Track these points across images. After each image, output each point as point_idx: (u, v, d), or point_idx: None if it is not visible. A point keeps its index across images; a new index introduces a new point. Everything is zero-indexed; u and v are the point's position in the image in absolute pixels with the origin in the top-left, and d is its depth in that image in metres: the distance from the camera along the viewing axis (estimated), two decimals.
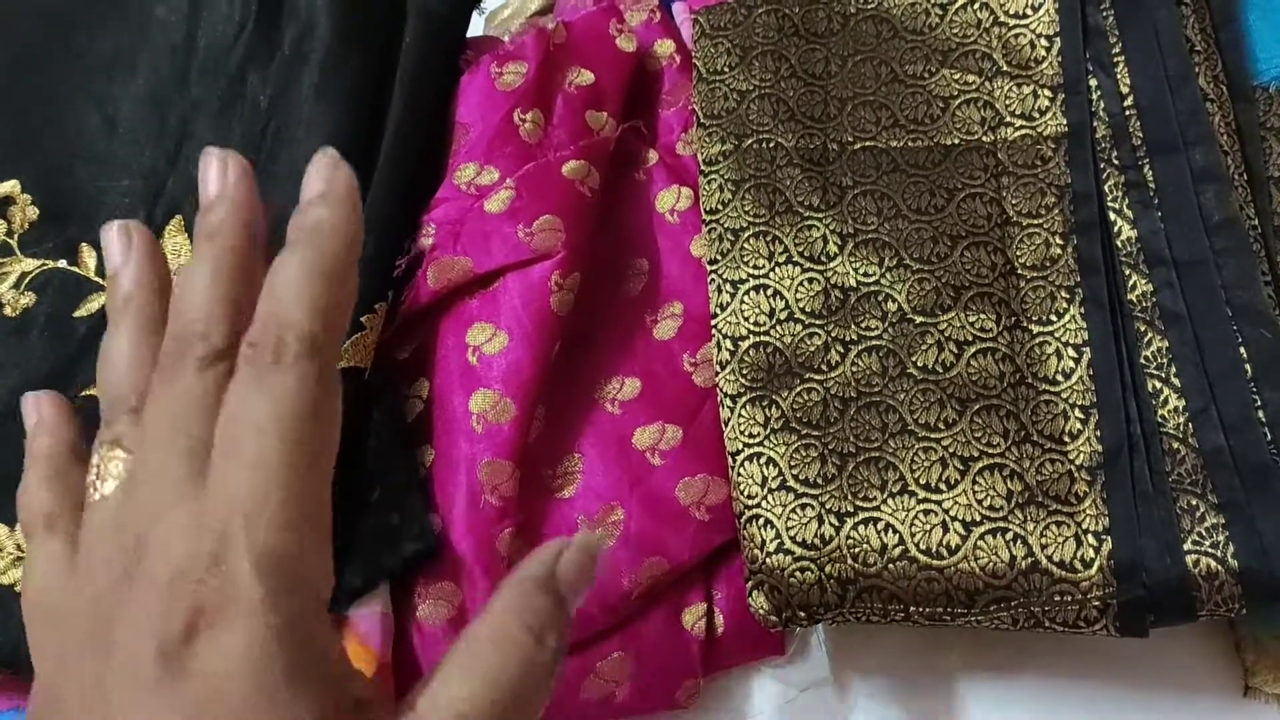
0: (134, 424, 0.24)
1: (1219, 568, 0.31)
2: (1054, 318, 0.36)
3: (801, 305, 0.38)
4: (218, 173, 0.25)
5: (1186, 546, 0.32)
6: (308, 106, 0.40)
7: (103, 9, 0.44)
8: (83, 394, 0.38)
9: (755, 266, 0.39)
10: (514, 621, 0.23)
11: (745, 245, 0.39)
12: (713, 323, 0.39)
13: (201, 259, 0.24)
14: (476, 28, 0.49)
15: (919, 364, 0.36)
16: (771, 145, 0.41)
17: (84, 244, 0.40)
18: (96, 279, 0.40)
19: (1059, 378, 0.35)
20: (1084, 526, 0.33)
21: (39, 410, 0.27)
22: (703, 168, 0.42)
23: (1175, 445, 0.33)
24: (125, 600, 0.21)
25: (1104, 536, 0.32)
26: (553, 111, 0.42)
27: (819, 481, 0.35)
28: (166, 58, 0.43)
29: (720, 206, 0.40)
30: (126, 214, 0.40)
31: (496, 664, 0.22)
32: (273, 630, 0.20)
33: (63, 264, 0.40)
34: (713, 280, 0.39)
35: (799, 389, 0.36)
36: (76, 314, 0.39)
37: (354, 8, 0.41)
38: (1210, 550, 0.31)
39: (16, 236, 0.40)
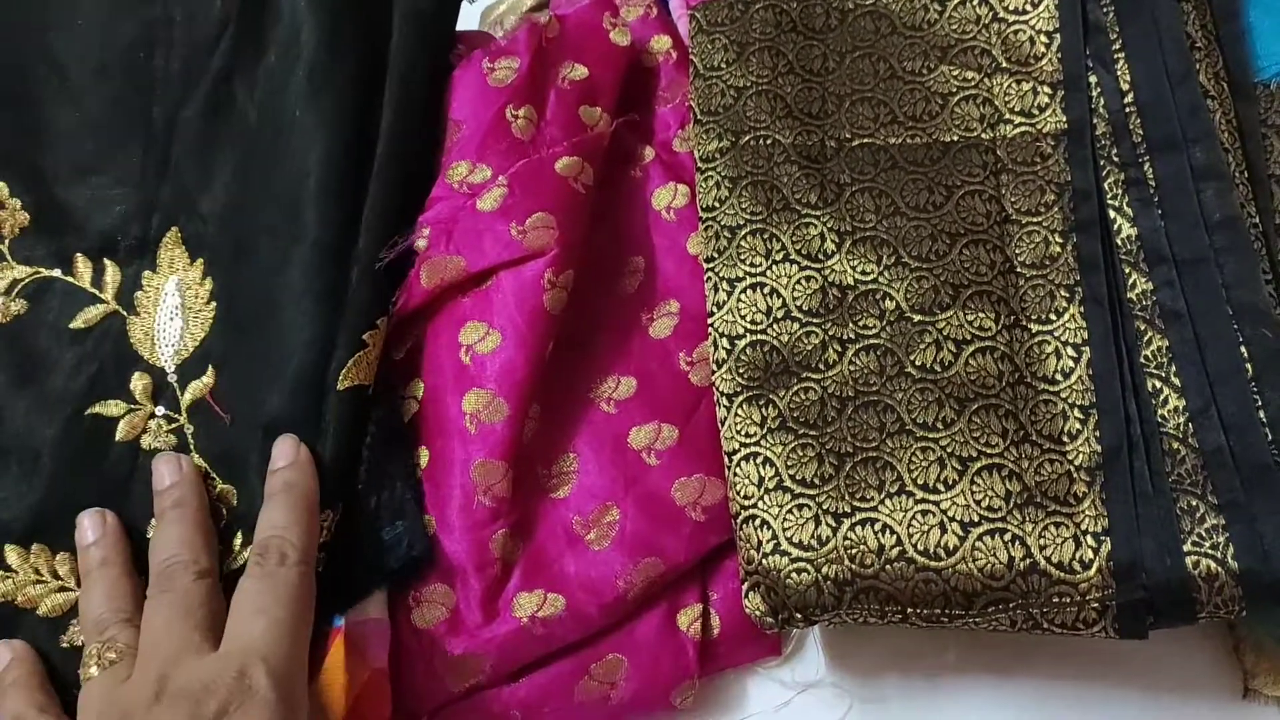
0: (126, 627, 0.33)
1: (1219, 569, 0.31)
2: (1053, 316, 0.36)
3: (799, 303, 0.37)
4: (171, 467, 0.35)
5: (1186, 548, 0.31)
6: (299, 114, 0.39)
7: (74, 6, 0.43)
8: (88, 412, 0.37)
9: (752, 264, 0.38)
10: None
11: (742, 243, 0.39)
12: (709, 321, 0.38)
13: (173, 520, 0.34)
14: (471, 20, 0.49)
15: (917, 363, 0.36)
16: (769, 142, 0.41)
17: (79, 254, 0.40)
18: (92, 290, 0.39)
19: (1058, 377, 0.35)
20: (1083, 527, 0.32)
21: (11, 650, 0.34)
22: (699, 164, 0.41)
23: (1175, 445, 0.33)
24: (158, 711, 0.29)
25: (1103, 537, 0.32)
26: (545, 107, 0.42)
27: (816, 482, 0.34)
28: (143, 55, 0.42)
29: (717, 204, 0.40)
30: (121, 227, 0.40)
31: None
32: (275, 716, 0.29)
33: (57, 273, 0.39)
34: (709, 278, 0.39)
35: (796, 388, 0.36)
36: (72, 325, 0.39)
37: (339, 11, 0.41)
38: (1210, 551, 0.31)
39: (7, 242, 0.40)
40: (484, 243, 0.39)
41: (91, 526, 0.35)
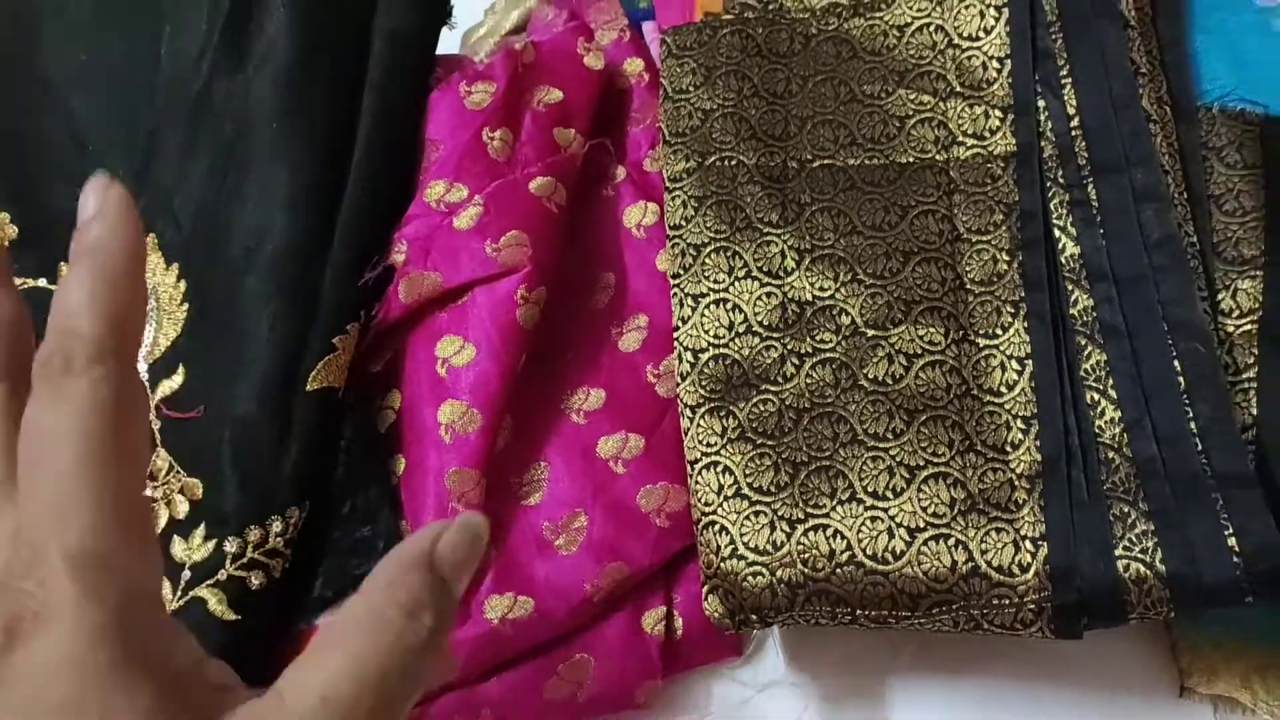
0: None
1: (1148, 572, 0.33)
2: (999, 331, 0.38)
3: (759, 319, 0.39)
4: (95, 196, 0.24)
5: (1118, 552, 0.33)
6: (273, 127, 0.41)
7: (64, 23, 0.44)
8: None
9: (716, 281, 0.40)
10: (384, 599, 0.22)
11: (706, 260, 0.41)
12: (675, 335, 0.40)
13: (74, 278, 0.23)
14: (451, 45, 0.50)
15: (870, 376, 0.38)
16: (733, 163, 0.42)
17: (63, 263, 0.41)
18: None
19: (1003, 389, 0.37)
20: (1022, 533, 0.34)
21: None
22: (667, 184, 0.43)
23: (1111, 455, 0.35)
24: None
25: (1041, 543, 0.34)
26: (521, 129, 0.44)
27: (772, 489, 0.36)
28: (130, 70, 0.44)
29: (683, 222, 0.42)
30: None
31: (365, 642, 0.21)
32: (92, 628, 0.20)
33: (43, 282, 0.41)
34: (675, 294, 0.41)
35: (755, 400, 0.38)
36: None
37: (315, 30, 0.42)
38: (1139, 556, 0.33)
39: None
40: (460, 260, 0.41)
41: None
